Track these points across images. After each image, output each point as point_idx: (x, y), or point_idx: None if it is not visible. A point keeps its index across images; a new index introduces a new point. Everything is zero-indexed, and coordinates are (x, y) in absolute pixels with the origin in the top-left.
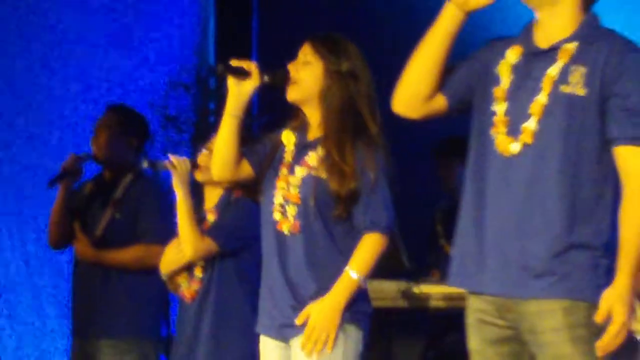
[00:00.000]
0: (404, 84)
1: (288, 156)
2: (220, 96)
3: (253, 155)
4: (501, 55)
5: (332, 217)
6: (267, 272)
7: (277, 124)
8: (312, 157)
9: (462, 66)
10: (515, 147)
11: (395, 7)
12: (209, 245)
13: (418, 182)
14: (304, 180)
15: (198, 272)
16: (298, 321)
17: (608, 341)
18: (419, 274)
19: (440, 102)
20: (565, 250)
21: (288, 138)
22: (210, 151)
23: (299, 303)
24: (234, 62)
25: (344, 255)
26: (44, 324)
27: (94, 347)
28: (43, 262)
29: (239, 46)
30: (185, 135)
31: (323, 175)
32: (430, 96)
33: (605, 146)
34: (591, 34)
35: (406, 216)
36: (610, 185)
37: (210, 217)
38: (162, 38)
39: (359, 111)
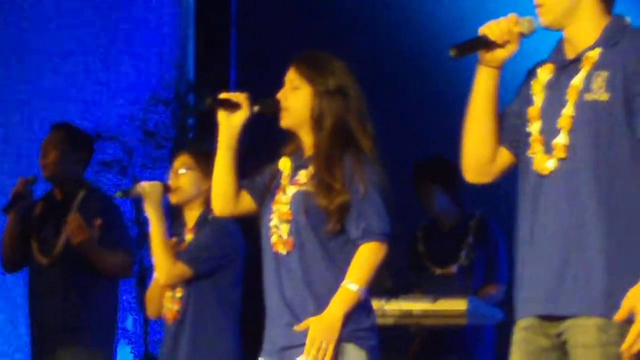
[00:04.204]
0: (466, 155)
1: (284, 181)
2: (199, 112)
3: (254, 187)
4: (534, 75)
5: (325, 232)
6: (266, 296)
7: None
8: (302, 175)
9: (509, 109)
10: (550, 164)
11: (374, 15)
12: (181, 270)
13: (399, 198)
14: (294, 197)
15: (178, 293)
16: (297, 328)
17: (631, 342)
18: (399, 292)
19: (505, 156)
20: (603, 268)
21: (285, 164)
22: (176, 172)
23: (298, 321)
24: (223, 95)
25: (342, 270)
26: None
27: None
28: None
29: (218, 61)
30: (165, 151)
31: (311, 189)
32: (493, 157)
33: (636, 148)
34: (614, 37)
35: None
36: None
37: (189, 237)
38: (142, 53)
39: (350, 127)
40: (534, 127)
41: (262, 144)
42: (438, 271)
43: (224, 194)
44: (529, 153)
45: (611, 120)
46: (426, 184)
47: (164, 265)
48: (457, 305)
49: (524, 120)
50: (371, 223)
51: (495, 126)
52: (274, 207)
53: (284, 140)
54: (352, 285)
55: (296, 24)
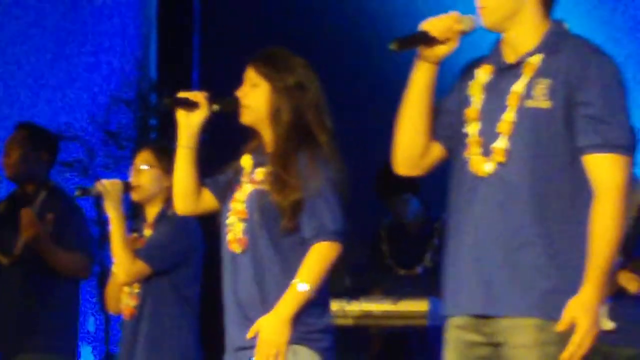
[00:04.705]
0: (398, 147)
1: (244, 178)
2: (161, 112)
3: (216, 185)
4: (471, 75)
5: (279, 231)
6: (224, 293)
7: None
8: (259, 173)
9: (444, 105)
10: (488, 167)
11: (337, 14)
12: (140, 268)
13: (360, 196)
14: (250, 195)
15: (135, 289)
16: (248, 336)
17: (572, 351)
18: (360, 292)
19: (437, 151)
20: (539, 270)
21: (246, 161)
22: (137, 168)
23: (247, 321)
24: (182, 94)
25: (295, 271)
26: None
27: None
28: None
29: (181, 60)
30: (127, 152)
31: (267, 187)
32: (425, 151)
33: (575, 157)
34: (555, 43)
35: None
36: (585, 196)
37: (147, 232)
38: (104, 53)
39: (306, 122)
40: (472, 129)
41: (225, 142)
42: (402, 272)
43: (185, 193)
44: (466, 154)
45: (551, 128)
46: (397, 195)
47: (123, 264)
48: (418, 306)
49: (459, 119)
50: (324, 221)
51: (429, 121)
52: (232, 205)
53: (246, 137)
54: (301, 285)
55: (259, 23)
